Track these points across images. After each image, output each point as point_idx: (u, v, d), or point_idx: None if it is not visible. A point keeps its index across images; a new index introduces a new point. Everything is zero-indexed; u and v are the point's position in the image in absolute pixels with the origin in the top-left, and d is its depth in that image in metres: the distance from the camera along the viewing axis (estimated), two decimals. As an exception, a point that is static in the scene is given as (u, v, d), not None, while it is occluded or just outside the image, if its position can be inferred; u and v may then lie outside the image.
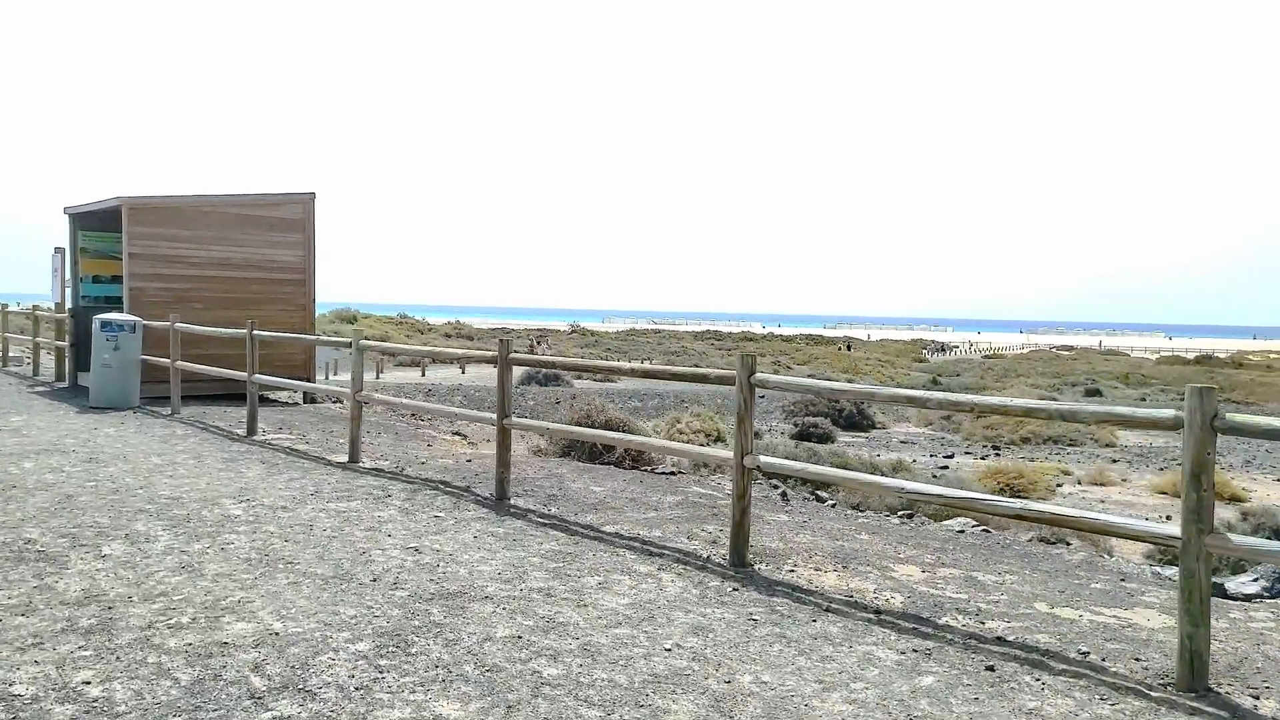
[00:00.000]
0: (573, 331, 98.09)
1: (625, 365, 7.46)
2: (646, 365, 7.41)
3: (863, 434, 30.06)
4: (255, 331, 10.77)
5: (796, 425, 28.01)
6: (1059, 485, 18.65)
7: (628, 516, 7.01)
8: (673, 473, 9.72)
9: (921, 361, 76.41)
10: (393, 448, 10.51)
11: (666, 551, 6.04)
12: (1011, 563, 6.37)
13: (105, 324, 12.76)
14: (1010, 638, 4.67)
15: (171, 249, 14.32)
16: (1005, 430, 29.18)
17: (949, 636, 4.64)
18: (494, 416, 7.61)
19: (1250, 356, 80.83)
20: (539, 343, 59.89)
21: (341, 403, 16.04)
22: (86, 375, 15.63)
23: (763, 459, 5.84)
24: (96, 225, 16.10)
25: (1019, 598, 5.43)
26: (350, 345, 9.58)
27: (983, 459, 23.95)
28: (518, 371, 38.98)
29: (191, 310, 14.47)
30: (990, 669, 4.23)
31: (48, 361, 18.40)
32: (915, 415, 32.95)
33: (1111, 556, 8.28)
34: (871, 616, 4.92)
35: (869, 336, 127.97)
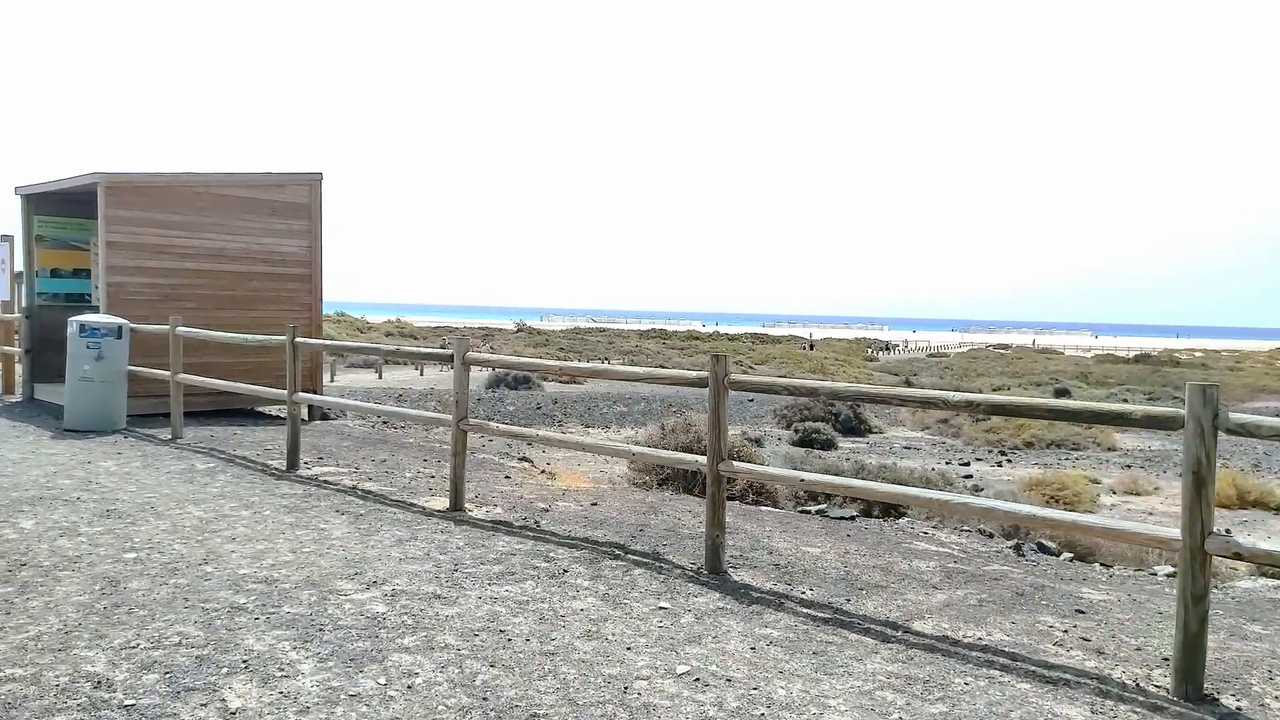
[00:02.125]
0: (519, 330, 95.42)
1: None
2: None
3: (861, 439, 28.64)
4: (298, 339, 8.57)
5: (797, 431, 26.42)
6: (1097, 497, 17.43)
7: (912, 601, 5.12)
8: (852, 517, 7.86)
9: (872, 360, 76.03)
10: (469, 480, 8.45)
11: (1061, 674, 4.18)
12: None
13: (86, 328, 10.36)
14: None
15: (158, 237, 11.91)
16: (1006, 434, 28.15)
17: None
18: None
19: (1179, 354, 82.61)
20: (484, 341, 57.37)
21: (345, 417, 13.78)
22: (45, 388, 13.08)
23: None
24: (57, 209, 13.53)
25: None
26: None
27: (998, 465, 22.80)
28: (483, 374, 36.72)
29: (181, 310, 12.06)
30: None
31: None
32: (910, 419, 31.80)
33: None
34: None
35: (811, 335, 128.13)
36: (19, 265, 13.58)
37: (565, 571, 5.32)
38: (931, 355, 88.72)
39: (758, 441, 25.37)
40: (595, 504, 7.58)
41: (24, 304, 13.39)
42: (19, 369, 13.72)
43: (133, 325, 10.86)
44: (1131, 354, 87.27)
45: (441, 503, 7.27)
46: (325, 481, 8.06)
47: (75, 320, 10.44)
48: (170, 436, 10.21)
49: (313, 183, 13.29)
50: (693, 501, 8.38)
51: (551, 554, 5.74)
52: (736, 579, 5.37)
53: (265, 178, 12.85)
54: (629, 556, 5.75)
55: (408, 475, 8.62)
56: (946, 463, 22.14)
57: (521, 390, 32.57)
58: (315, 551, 5.70)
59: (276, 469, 8.59)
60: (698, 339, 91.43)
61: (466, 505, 7.09)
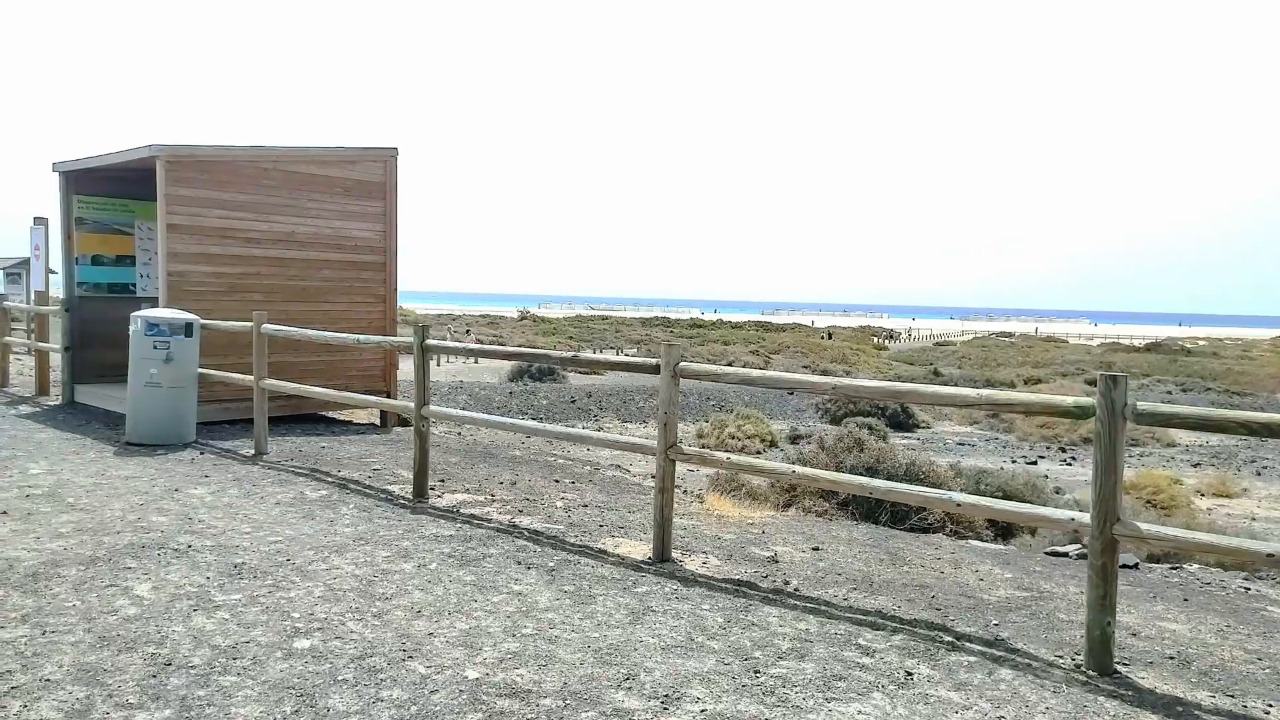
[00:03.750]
0: (524, 318, 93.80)
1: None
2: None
3: (911, 435, 27.37)
4: (429, 340, 7.10)
5: (846, 428, 25.05)
6: (1189, 500, 16.17)
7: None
8: (1134, 565, 6.46)
9: (883, 349, 74.77)
10: (621, 510, 7.06)
11: None
12: None
13: (153, 325, 8.88)
14: None
15: (223, 219, 10.42)
16: (1062, 429, 26.93)
17: None
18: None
19: (1184, 343, 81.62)
20: (467, 331, 55.82)
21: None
22: (87, 390, 11.61)
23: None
24: (99, 189, 12.01)
25: None
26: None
27: (1066, 464, 21.59)
28: (505, 365, 35.22)
29: (248, 304, 10.62)
30: None
31: (19, 368, 14.22)
32: (955, 413, 30.58)
33: None
34: None
35: (813, 323, 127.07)
36: (58, 253, 12.07)
37: (909, 676, 3.91)
38: (938, 344, 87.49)
39: (808, 438, 24.07)
40: (817, 549, 6.18)
41: (63, 295, 11.88)
42: (55, 367, 12.22)
43: (203, 321, 9.40)
44: (1141, 343, 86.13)
45: (637, 549, 5.86)
46: (471, 516, 6.63)
47: (140, 316, 8.96)
48: (253, 452, 8.77)
49: (388, 159, 11.81)
50: (904, 539, 7.00)
51: (857, 639, 4.33)
52: (1142, 682, 3.98)
53: (337, 152, 11.36)
54: (970, 645, 4.33)
55: (559, 505, 7.21)
56: (1012, 461, 20.86)
57: (548, 382, 31.23)
58: (539, 634, 4.29)
59: (403, 498, 7.16)
60: (701, 327, 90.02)
61: (674, 553, 5.68)
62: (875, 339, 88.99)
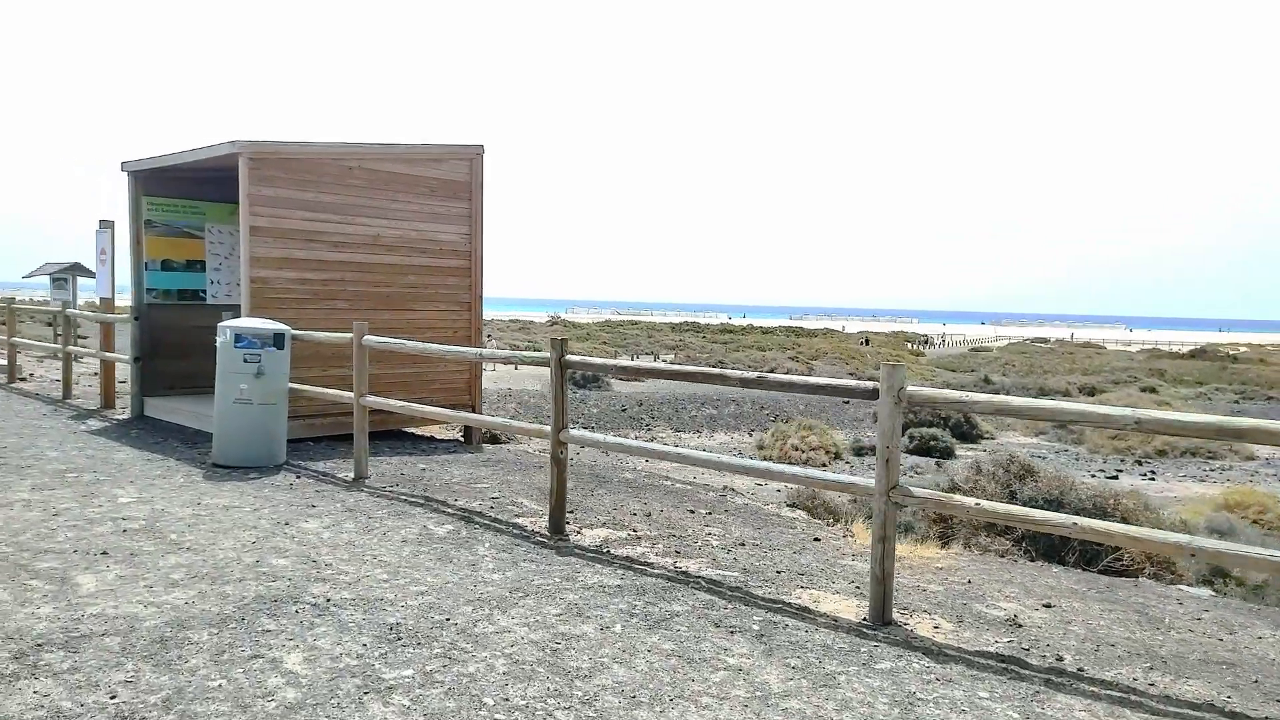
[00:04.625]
0: (554, 323, 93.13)
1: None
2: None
3: (976, 446, 26.29)
4: (569, 355, 6.28)
5: (911, 439, 24.11)
6: None
7: None
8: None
9: (920, 355, 73.37)
10: (785, 550, 6.21)
11: None
12: None
13: (243, 337, 8.13)
14: None
15: (307, 221, 9.67)
16: (1135, 441, 25.75)
17: None
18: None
19: (1224, 349, 79.50)
20: (523, 334, 55.24)
21: (517, 441, 11.58)
22: (157, 403, 10.93)
23: None
24: (169, 190, 11.32)
25: None
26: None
27: (1148, 478, 20.51)
28: (545, 371, 34.47)
29: (332, 311, 9.89)
30: None
31: (82, 376, 13.58)
32: (1019, 423, 29.49)
33: None
34: None
35: (844, 328, 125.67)
36: (123, 255, 11.38)
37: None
38: (974, 349, 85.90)
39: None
40: (1049, 605, 5.28)
41: (132, 302, 11.19)
42: (131, 380, 11.54)
43: (295, 332, 8.65)
44: (1184, 350, 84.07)
45: (842, 605, 4.99)
46: (627, 559, 5.80)
47: (228, 326, 8.21)
48: (353, 476, 7.99)
49: (474, 157, 11.05)
50: (1123, 587, 6.09)
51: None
52: None
53: (423, 150, 10.59)
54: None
55: (714, 544, 6.36)
56: (1092, 475, 19.82)
57: (593, 389, 30.46)
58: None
59: (539, 534, 6.33)
60: (732, 332, 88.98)
61: (898, 615, 4.81)
62: (909, 345, 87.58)
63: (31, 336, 22.65)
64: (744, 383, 5.30)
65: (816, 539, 6.90)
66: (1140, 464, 24.09)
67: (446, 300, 10.95)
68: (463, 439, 11.36)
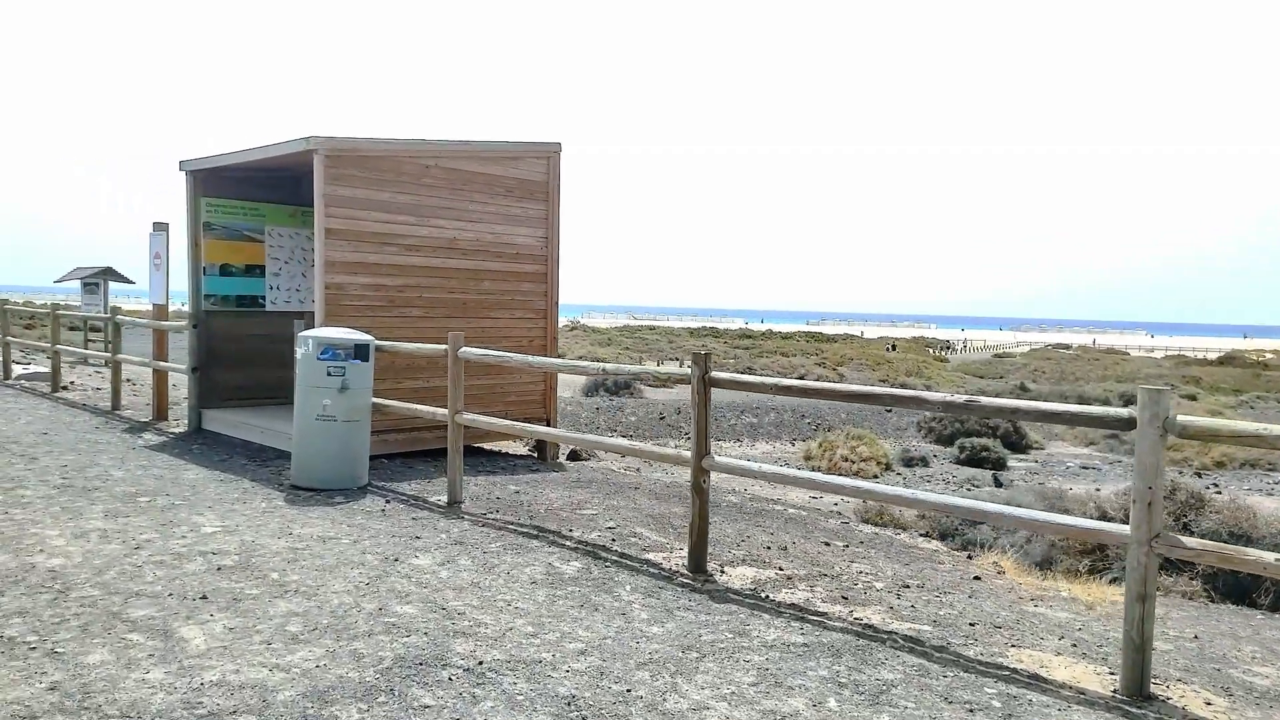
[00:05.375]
0: (573, 328, 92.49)
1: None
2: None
3: (1026, 456, 25.43)
4: (715, 373, 5.57)
5: (961, 449, 23.28)
6: None
7: None
8: None
9: (943, 361, 72.32)
10: (953, 593, 5.49)
11: None
12: None
13: (327, 347, 7.46)
14: None
15: (382, 224, 9.01)
16: (1191, 453, 24.81)
17: None
18: None
19: (1251, 355, 78.10)
20: None
21: (598, 458, 10.89)
22: (214, 416, 10.29)
23: None
24: (230, 191, 10.69)
25: None
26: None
27: (1212, 492, 19.65)
28: (580, 379, 33.77)
29: (406, 320, 9.23)
30: None
31: (130, 384, 12.95)
32: (1068, 432, 28.62)
33: None
34: None
35: (862, 333, 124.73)
36: (184, 261, 10.75)
37: None
38: (997, 355, 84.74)
39: (923, 460, 22.30)
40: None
41: (189, 309, 10.54)
42: (189, 392, 10.92)
43: (379, 343, 7.98)
44: (1212, 356, 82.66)
45: (1079, 672, 4.26)
46: (795, 608, 5.08)
47: (310, 337, 7.53)
48: (446, 501, 7.30)
49: (551, 155, 10.37)
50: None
51: None
52: None
53: (500, 148, 9.92)
54: None
55: (877, 585, 5.64)
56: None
57: (624, 396, 29.77)
58: None
59: (680, 573, 5.62)
60: (752, 337, 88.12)
61: (1153, 686, 4.08)
62: (931, 350, 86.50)
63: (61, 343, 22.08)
64: (947, 406, 4.57)
65: (977, 577, 6.17)
66: (1199, 476, 23.18)
67: (522, 307, 10.27)
68: (536, 454, 10.66)
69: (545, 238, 10.41)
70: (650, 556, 5.97)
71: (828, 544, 6.73)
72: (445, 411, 7.39)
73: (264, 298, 10.97)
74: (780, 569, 5.86)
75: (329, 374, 7.42)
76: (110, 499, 6.95)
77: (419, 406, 7.84)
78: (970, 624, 4.95)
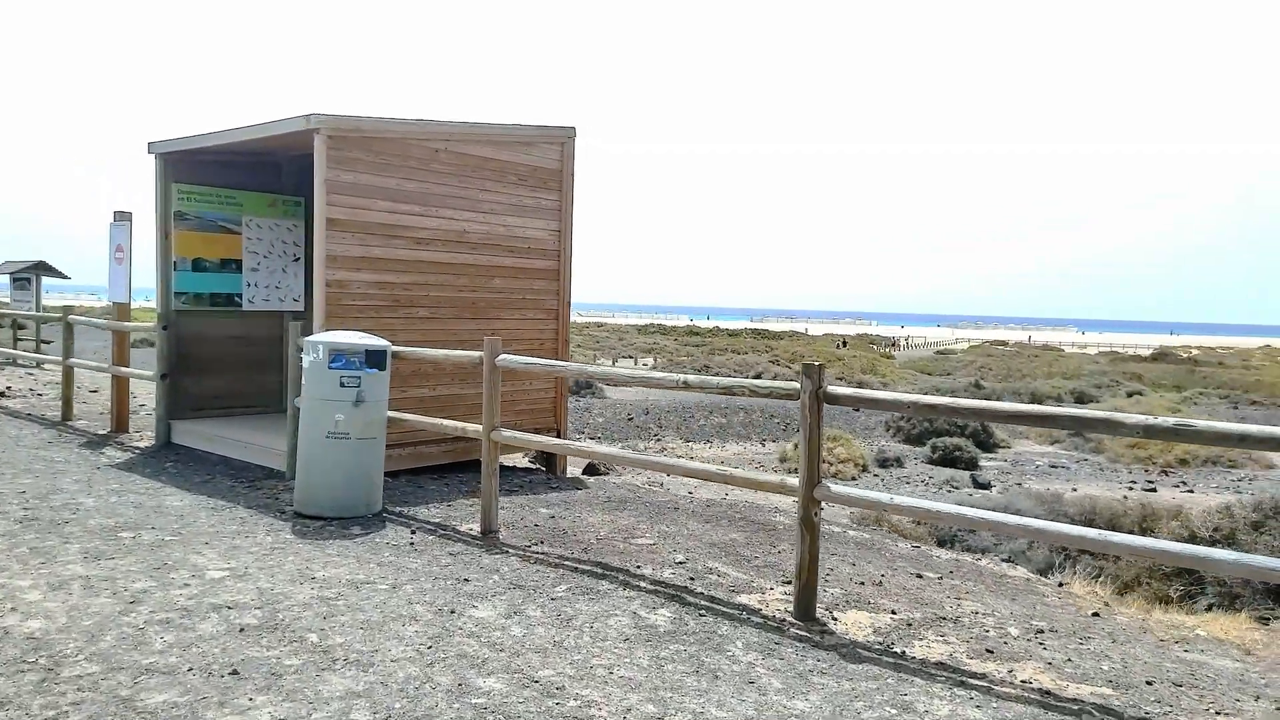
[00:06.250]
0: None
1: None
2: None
3: (994, 455, 25.31)
4: (831, 387, 4.79)
5: (934, 450, 23.05)
6: None
7: None
8: None
9: (889, 359, 72.78)
10: (1096, 636, 4.83)
11: None
12: None
13: (339, 354, 6.48)
14: None
15: (388, 214, 8.03)
16: (1154, 450, 24.92)
17: None
18: None
19: (1177, 352, 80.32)
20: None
21: (617, 472, 10.05)
22: (185, 428, 9.21)
23: None
24: (201, 176, 9.56)
25: None
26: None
27: (1184, 490, 19.63)
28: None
29: (412, 320, 8.28)
30: None
31: (84, 394, 11.66)
32: (1032, 431, 28.64)
33: None
34: None
35: (807, 330, 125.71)
36: (143, 250, 9.59)
37: None
38: (940, 353, 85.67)
39: (898, 461, 21.91)
40: None
41: (159, 308, 9.39)
42: (157, 401, 9.77)
43: (397, 349, 7.02)
44: (1144, 353, 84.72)
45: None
46: (946, 669, 4.32)
47: (320, 343, 6.54)
48: (480, 530, 6.39)
49: (565, 140, 9.48)
50: None
51: None
52: None
53: (514, 131, 8.99)
54: None
55: (1011, 632, 4.91)
56: (1130, 488, 18.83)
57: (588, 397, 28.95)
58: None
59: (789, 622, 4.81)
60: (699, 334, 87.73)
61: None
62: (876, 347, 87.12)
63: (-5, 341, 20.38)
64: (1149, 431, 3.84)
65: (1096, 614, 5.51)
66: (1166, 474, 23.23)
67: (533, 307, 9.37)
68: (544, 468, 9.77)
69: (558, 231, 9.52)
70: (743, 600, 5.17)
71: (920, 576, 6.00)
72: (477, 427, 6.48)
73: (240, 296, 9.87)
74: (893, 613, 5.10)
75: (342, 384, 6.45)
76: (86, 535, 5.89)
77: (445, 422, 6.91)
78: (1147, 683, 4.25)
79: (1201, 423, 3.77)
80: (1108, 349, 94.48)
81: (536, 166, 9.25)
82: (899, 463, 22.33)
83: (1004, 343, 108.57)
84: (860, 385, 35.42)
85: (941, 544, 9.54)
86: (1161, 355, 77.62)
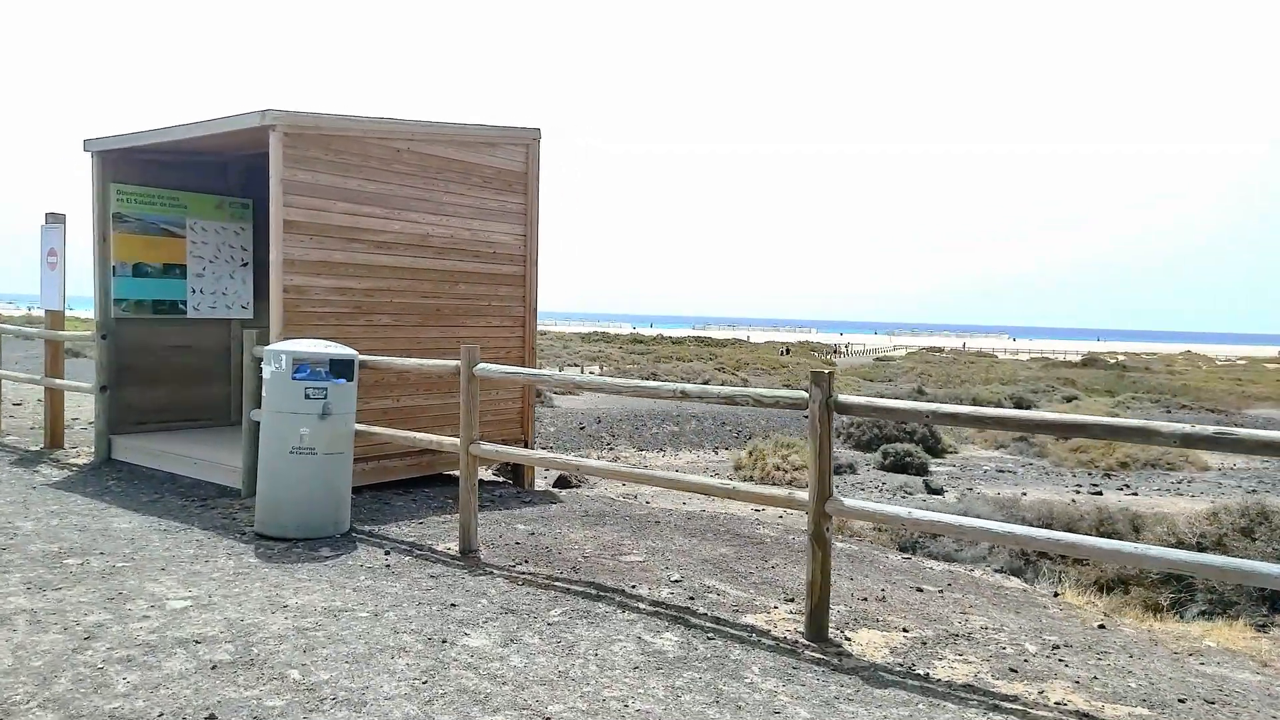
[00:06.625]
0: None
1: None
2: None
3: (943, 460, 25.57)
4: (841, 397, 4.56)
5: (885, 455, 23.22)
6: None
7: None
8: None
9: (832, 365, 73.60)
10: (1138, 670, 4.69)
11: None
12: None
13: (304, 364, 6.06)
14: None
15: (348, 216, 7.61)
16: (1096, 453, 25.45)
17: None
18: None
19: (1105, 358, 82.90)
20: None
21: (590, 483, 9.73)
22: (127, 443, 8.65)
23: None
24: (144, 176, 9.00)
25: None
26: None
27: (1128, 492, 20.03)
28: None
29: (374, 329, 7.87)
30: None
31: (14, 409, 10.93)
32: (977, 435, 29.06)
33: None
34: None
35: (749, 338, 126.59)
36: (80, 255, 9.00)
37: None
38: (879, 359, 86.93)
39: (850, 468, 21.97)
40: None
41: (98, 316, 8.79)
42: (97, 416, 9.16)
43: (364, 358, 6.61)
44: (1074, 359, 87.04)
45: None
46: (976, 691, 4.09)
47: (283, 352, 6.10)
48: (459, 549, 6.02)
49: (530, 142, 9.16)
50: None
51: None
52: None
53: (478, 131, 8.64)
54: None
55: (1029, 649, 4.74)
56: (1077, 491, 19.13)
57: (538, 405, 28.55)
58: None
59: (803, 644, 4.56)
60: (643, 342, 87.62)
61: None
62: (817, 354, 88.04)
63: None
64: (1187, 440, 3.69)
65: (1101, 625, 5.37)
66: (1109, 477, 23.65)
67: (498, 314, 9.02)
68: (510, 480, 9.40)
69: (524, 235, 9.19)
70: (749, 620, 4.90)
71: (920, 589, 5.81)
72: (454, 440, 6.12)
73: (185, 303, 9.31)
74: (905, 630, 4.89)
75: (307, 396, 6.03)
76: (28, 562, 5.38)
77: (421, 435, 6.52)
78: (1179, 700, 4.10)
79: (1241, 431, 3.62)
80: (1038, 355, 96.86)
81: (501, 169, 8.91)
82: (851, 469, 22.33)
83: (939, 349, 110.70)
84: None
85: (902, 549, 9.47)
86: (1090, 361, 79.84)
